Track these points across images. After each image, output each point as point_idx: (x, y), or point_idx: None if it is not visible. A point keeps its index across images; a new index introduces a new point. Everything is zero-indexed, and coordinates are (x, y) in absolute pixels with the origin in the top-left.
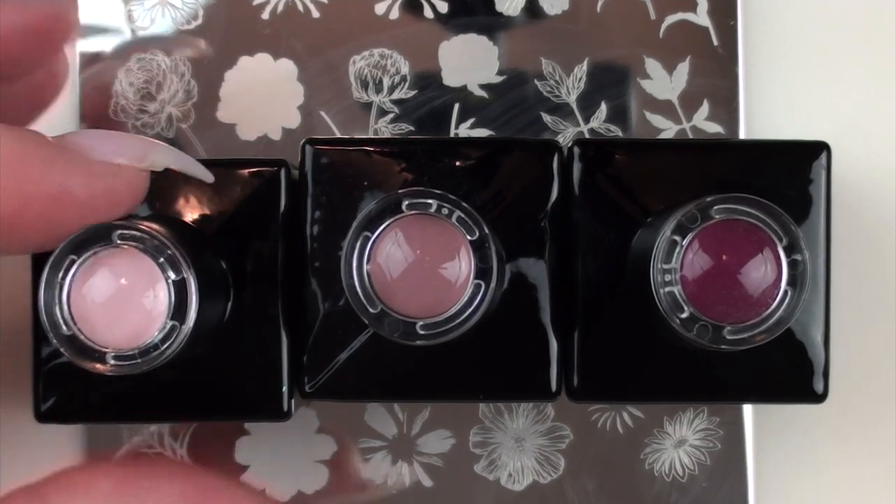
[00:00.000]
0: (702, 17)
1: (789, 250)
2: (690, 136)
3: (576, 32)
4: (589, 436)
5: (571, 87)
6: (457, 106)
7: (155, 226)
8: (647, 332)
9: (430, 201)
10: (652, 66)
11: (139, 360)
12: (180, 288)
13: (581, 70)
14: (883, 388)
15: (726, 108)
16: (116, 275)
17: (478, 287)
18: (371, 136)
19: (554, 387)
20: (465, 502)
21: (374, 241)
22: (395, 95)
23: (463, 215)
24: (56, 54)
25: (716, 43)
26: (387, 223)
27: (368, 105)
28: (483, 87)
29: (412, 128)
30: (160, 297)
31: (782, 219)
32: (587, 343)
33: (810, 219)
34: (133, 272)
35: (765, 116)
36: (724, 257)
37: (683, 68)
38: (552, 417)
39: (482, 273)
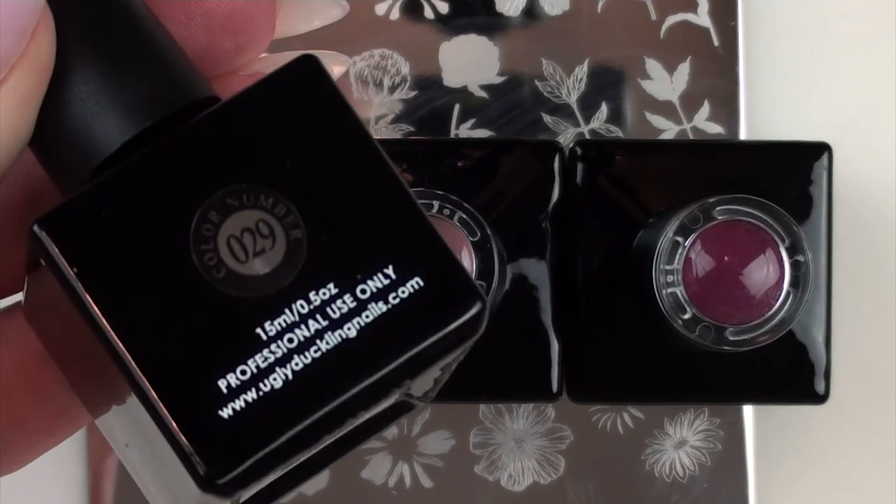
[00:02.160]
0: (702, 17)
1: (792, 251)
2: (691, 137)
3: (576, 33)
4: (589, 437)
5: (572, 88)
6: (457, 107)
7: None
8: (648, 332)
9: (431, 202)
10: (652, 66)
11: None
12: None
13: (581, 71)
14: (883, 389)
15: (727, 108)
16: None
17: (479, 288)
18: None
19: (555, 387)
20: (466, 503)
21: None
22: (396, 96)
23: (464, 216)
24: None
25: (716, 43)
26: None
27: (369, 105)
28: (483, 87)
29: (413, 128)
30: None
31: (784, 220)
32: (588, 344)
33: (811, 219)
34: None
35: (765, 117)
36: (726, 258)
37: (684, 69)
38: (552, 418)
39: (484, 274)
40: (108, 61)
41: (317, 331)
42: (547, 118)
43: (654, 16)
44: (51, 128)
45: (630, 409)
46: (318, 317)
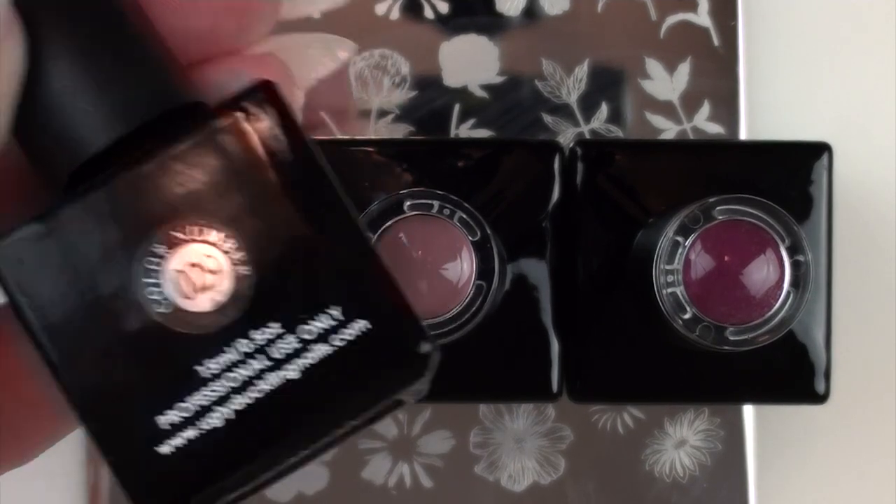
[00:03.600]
0: (702, 17)
1: (792, 251)
2: (691, 137)
3: (576, 33)
4: (589, 437)
5: (572, 88)
6: (457, 106)
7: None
8: (648, 332)
9: (431, 202)
10: (653, 66)
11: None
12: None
13: (582, 70)
14: (883, 388)
15: (727, 108)
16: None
17: (479, 288)
18: (372, 136)
19: (555, 388)
20: (466, 503)
21: (375, 242)
22: (396, 96)
23: (465, 216)
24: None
25: (716, 43)
26: (388, 224)
27: (369, 105)
28: (483, 87)
29: (413, 128)
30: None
31: (785, 219)
32: (588, 344)
33: (812, 219)
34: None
35: (766, 116)
36: (726, 258)
37: (684, 69)
38: (553, 418)
39: (484, 274)
40: (88, 65)
41: (259, 371)
42: (547, 118)
43: (654, 16)
44: (29, 127)
45: (630, 409)
46: (260, 356)
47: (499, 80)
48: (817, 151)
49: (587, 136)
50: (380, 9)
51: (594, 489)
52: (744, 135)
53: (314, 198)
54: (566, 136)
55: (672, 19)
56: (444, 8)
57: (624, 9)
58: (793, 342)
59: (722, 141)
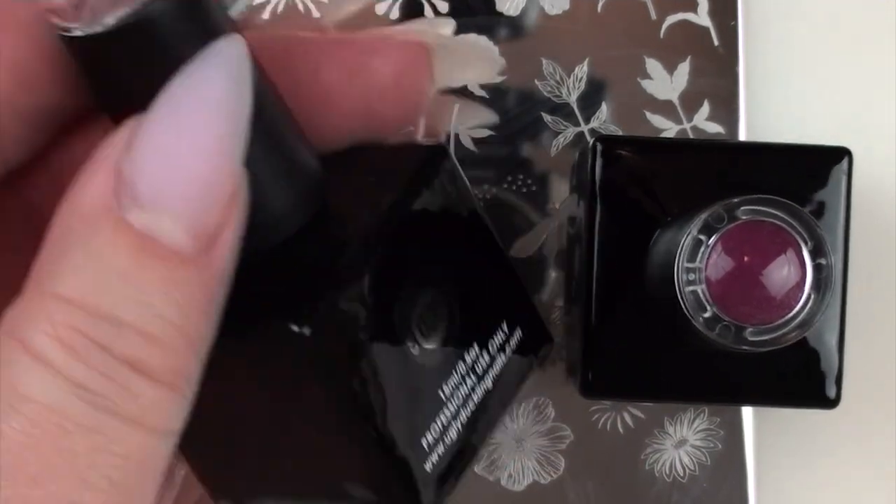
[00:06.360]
0: (702, 17)
1: (814, 254)
2: (691, 136)
3: (576, 33)
4: (589, 436)
5: (572, 88)
6: (457, 107)
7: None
8: (663, 330)
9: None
10: (652, 66)
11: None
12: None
13: (581, 71)
14: (884, 389)
15: (727, 108)
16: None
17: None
18: None
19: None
20: (465, 502)
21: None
22: None
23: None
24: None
25: (716, 43)
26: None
27: None
28: (484, 87)
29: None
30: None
31: (808, 221)
32: (601, 340)
33: (828, 223)
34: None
35: (765, 117)
36: (748, 258)
37: (684, 68)
38: (552, 418)
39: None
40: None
41: (471, 387)
42: (547, 118)
43: (654, 15)
44: None
45: (630, 409)
46: (472, 375)
47: (499, 79)
48: (837, 156)
49: (587, 135)
50: (380, 9)
51: (594, 489)
52: (743, 135)
53: (477, 237)
54: (566, 136)
55: (672, 19)
56: (444, 8)
57: (624, 9)
58: (806, 346)
59: (740, 142)
